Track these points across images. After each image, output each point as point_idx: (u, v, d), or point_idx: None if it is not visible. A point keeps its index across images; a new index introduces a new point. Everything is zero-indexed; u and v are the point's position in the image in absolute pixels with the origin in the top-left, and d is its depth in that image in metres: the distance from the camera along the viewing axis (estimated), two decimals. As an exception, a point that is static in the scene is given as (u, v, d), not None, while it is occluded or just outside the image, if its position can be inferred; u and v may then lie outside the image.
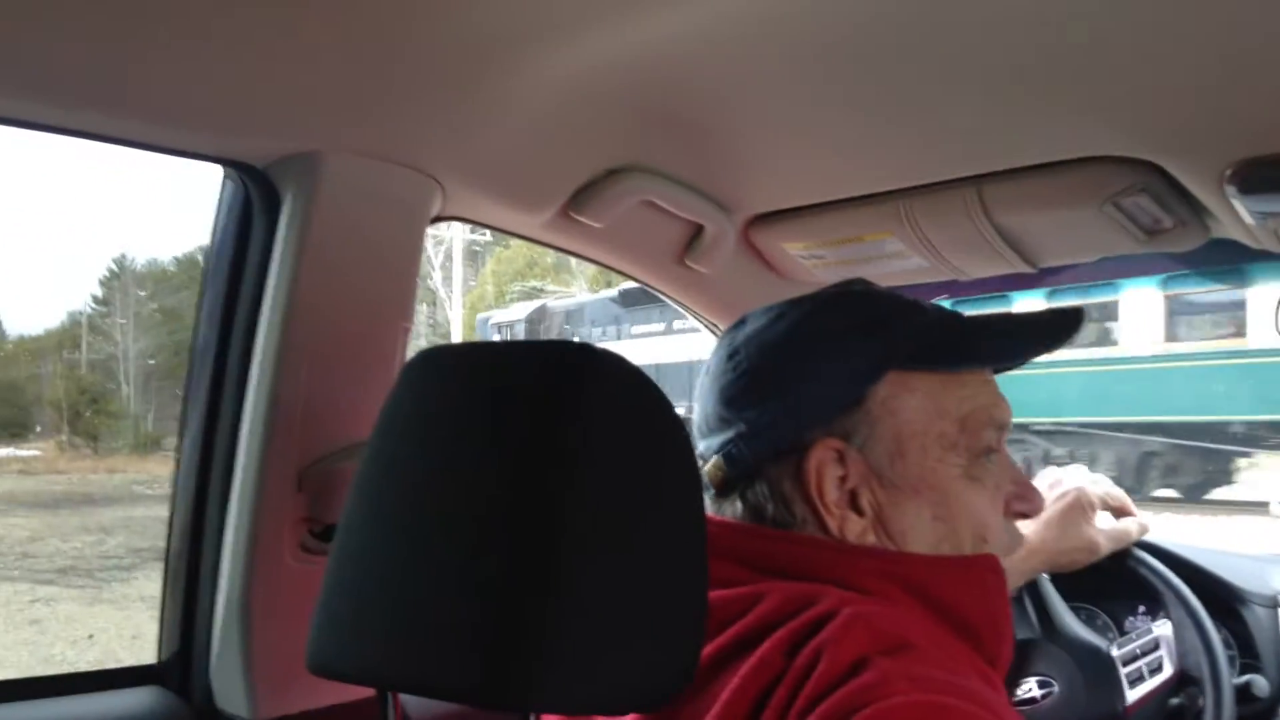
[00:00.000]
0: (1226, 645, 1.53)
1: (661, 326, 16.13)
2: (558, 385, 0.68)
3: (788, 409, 0.84)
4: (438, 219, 1.25)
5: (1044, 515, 1.22)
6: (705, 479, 0.87)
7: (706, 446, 0.88)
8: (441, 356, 0.76)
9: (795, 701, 0.68)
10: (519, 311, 19.31)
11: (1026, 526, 1.19)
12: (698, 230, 1.49)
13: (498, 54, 1.00)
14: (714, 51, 1.06)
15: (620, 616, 0.65)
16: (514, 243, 23.99)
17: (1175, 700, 1.48)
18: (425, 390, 0.74)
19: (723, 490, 0.87)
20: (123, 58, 0.89)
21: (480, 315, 21.76)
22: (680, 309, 1.74)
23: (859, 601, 0.74)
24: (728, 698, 0.70)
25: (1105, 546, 1.30)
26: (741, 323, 0.91)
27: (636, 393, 0.70)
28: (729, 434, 0.85)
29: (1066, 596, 1.59)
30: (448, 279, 26.31)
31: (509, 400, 0.68)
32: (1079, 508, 1.30)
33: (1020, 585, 1.41)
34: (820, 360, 0.84)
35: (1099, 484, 1.35)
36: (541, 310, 18.79)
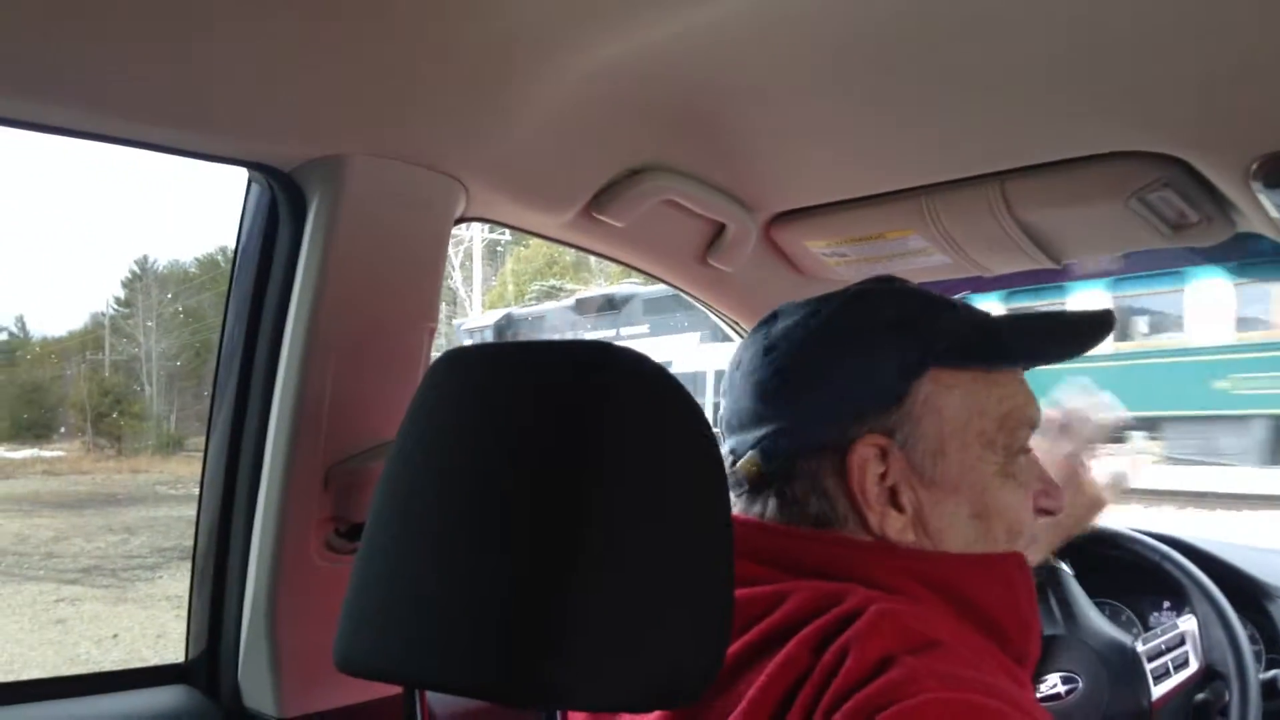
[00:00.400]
0: (1252, 640, 1.52)
1: (613, 333, 17.42)
2: (582, 384, 0.68)
3: (831, 405, 0.83)
4: (461, 220, 1.26)
5: None
6: (738, 475, 0.86)
7: (740, 442, 0.87)
8: (466, 356, 0.76)
9: (821, 699, 0.68)
10: (488, 318, 20.82)
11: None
12: (720, 229, 1.49)
13: (522, 56, 1.00)
14: (735, 51, 1.06)
15: (646, 614, 0.65)
16: (533, 242, 24.08)
17: (1201, 695, 1.47)
18: (451, 390, 0.74)
19: (756, 486, 0.86)
20: (148, 62, 0.89)
21: (456, 321, 22.85)
22: (704, 309, 1.74)
23: (885, 600, 0.74)
24: (754, 695, 0.70)
25: (1109, 496, 1.26)
26: (774, 317, 0.90)
27: (661, 390, 0.70)
28: (766, 429, 0.84)
29: (1091, 592, 1.59)
30: (468, 279, 26.39)
31: (534, 399, 0.68)
32: (1071, 472, 1.26)
33: (1040, 562, 1.39)
34: (863, 356, 0.83)
35: (1078, 419, 1.30)
36: (508, 317, 20.19)
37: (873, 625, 0.70)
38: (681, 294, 1.67)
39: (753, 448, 0.85)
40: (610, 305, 18.02)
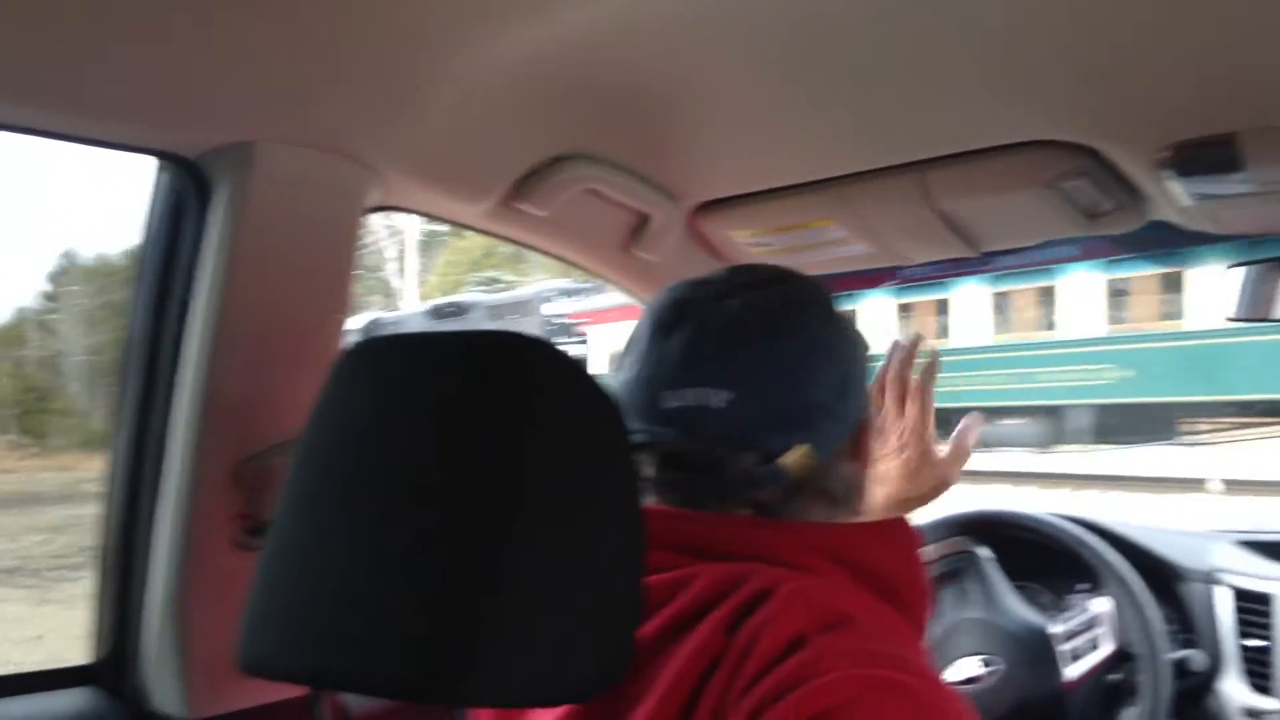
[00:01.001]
0: (1168, 621, 1.56)
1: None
2: (496, 375, 0.66)
3: (861, 392, 0.87)
4: (377, 209, 1.23)
5: (894, 470, 1.21)
6: (773, 474, 0.80)
7: (776, 441, 0.81)
8: (375, 348, 0.74)
9: (735, 681, 0.68)
10: (358, 322, 21.78)
11: (885, 485, 1.20)
12: (644, 218, 1.48)
13: (436, 40, 0.98)
14: (658, 39, 1.05)
15: (558, 607, 0.65)
16: (470, 233, 24.06)
17: (1115, 676, 1.51)
18: (359, 382, 0.72)
19: (789, 487, 0.81)
20: (46, 48, 0.86)
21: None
22: (632, 298, 1.73)
23: (792, 577, 0.74)
24: (669, 679, 0.70)
25: (955, 476, 1.26)
26: (715, 300, 0.85)
27: (575, 381, 0.69)
28: (825, 421, 0.82)
29: (1012, 575, 1.62)
30: (405, 271, 26.18)
31: (445, 391, 0.67)
32: (915, 461, 1.23)
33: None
34: (849, 339, 0.87)
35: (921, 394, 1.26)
36: (374, 323, 21.32)
37: (784, 605, 0.71)
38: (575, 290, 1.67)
39: (808, 441, 0.80)
40: (459, 311, 19.63)
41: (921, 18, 0.99)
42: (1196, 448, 12.96)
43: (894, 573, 0.81)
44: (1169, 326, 13.29)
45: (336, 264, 1.14)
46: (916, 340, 1.25)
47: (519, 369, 0.66)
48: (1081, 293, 13.79)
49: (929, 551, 1.67)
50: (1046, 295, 14.46)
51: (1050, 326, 14.45)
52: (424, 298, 26.15)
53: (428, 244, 28.31)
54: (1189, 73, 1.03)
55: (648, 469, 0.83)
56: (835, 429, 0.83)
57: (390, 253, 26.16)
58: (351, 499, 0.67)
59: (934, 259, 1.53)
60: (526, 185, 1.28)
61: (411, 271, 26.29)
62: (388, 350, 0.73)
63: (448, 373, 0.68)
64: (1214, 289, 12.36)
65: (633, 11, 0.99)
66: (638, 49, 1.08)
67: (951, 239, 1.43)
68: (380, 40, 0.97)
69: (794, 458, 0.80)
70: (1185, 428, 13.70)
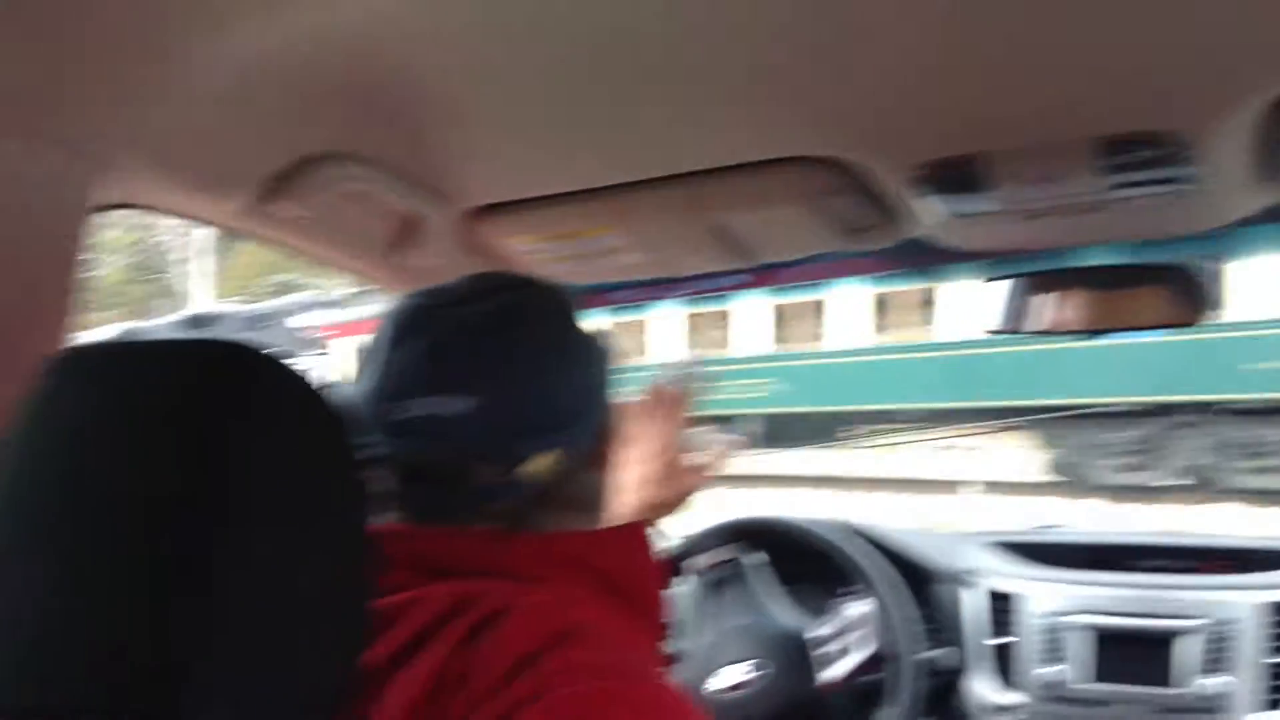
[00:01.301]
0: (927, 621, 1.64)
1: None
2: (214, 385, 0.63)
3: (604, 398, 0.87)
4: (114, 206, 1.14)
5: (644, 477, 1.22)
6: (517, 483, 0.80)
7: (521, 449, 0.80)
8: (85, 355, 0.69)
9: (466, 703, 0.67)
10: (112, 330, 21.83)
11: (635, 492, 1.21)
12: (415, 221, 1.43)
13: (175, 26, 0.91)
14: (423, 40, 1.01)
15: (281, 633, 0.62)
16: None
17: (871, 676, 1.57)
18: (67, 390, 0.66)
19: (534, 496, 0.81)
20: None
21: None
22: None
23: (525, 593, 0.74)
24: (403, 702, 0.68)
25: (703, 483, 1.29)
26: (458, 304, 0.84)
27: (298, 394, 0.66)
28: (572, 427, 0.82)
29: (785, 580, 1.66)
30: (193, 274, 25.02)
31: (161, 401, 0.63)
32: (665, 468, 1.25)
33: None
34: (604, 350, 0.89)
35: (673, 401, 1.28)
36: (129, 332, 20.96)
37: (516, 622, 0.70)
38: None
39: (560, 446, 0.81)
40: (209, 322, 19.73)
41: (686, 30, 0.99)
42: (951, 450, 14.12)
43: (629, 577, 0.81)
44: (817, 346, 14.83)
45: (60, 266, 1.05)
46: (679, 354, 1.27)
47: (238, 380, 0.63)
48: (753, 315, 15.06)
49: (701, 560, 1.70)
50: (722, 318, 15.57)
51: (725, 345, 15.59)
52: (219, 301, 25.18)
53: (226, 247, 27.16)
54: (940, 93, 1.07)
55: (390, 482, 0.80)
56: (580, 436, 0.83)
57: (177, 255, 24.99)
58: (54, 514, 0.62)
59: (709, 270, 1.55)
60: (282, 184, 1.21)
61: (201, 274, 25.13)
62: (98, 357, 0.68)
63: (162, 382, 0.64)
64: (850, 314, 14.09)
65: (395, 11, 0.95)
66: (400, 49, 1.03)
67: (725, 251, 1.45)
68: (115, 25, 0.89)
69: (539, 465, 0.79)
70: (841, 434, 15.51)
